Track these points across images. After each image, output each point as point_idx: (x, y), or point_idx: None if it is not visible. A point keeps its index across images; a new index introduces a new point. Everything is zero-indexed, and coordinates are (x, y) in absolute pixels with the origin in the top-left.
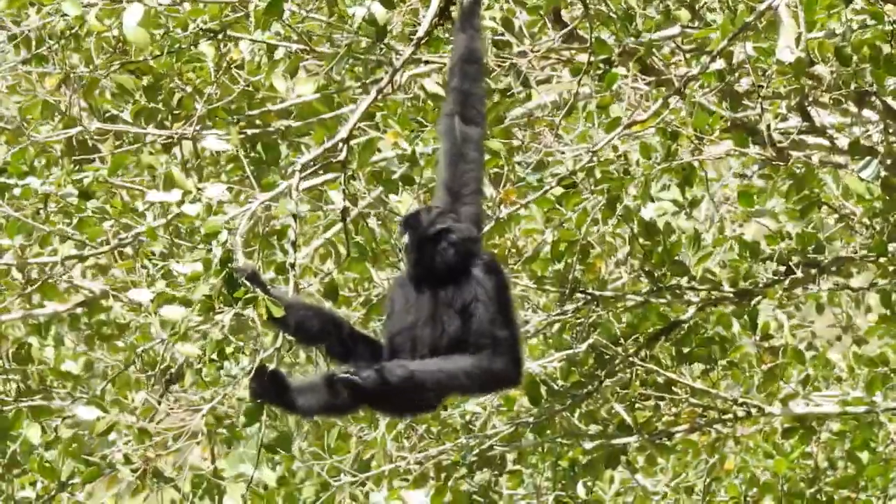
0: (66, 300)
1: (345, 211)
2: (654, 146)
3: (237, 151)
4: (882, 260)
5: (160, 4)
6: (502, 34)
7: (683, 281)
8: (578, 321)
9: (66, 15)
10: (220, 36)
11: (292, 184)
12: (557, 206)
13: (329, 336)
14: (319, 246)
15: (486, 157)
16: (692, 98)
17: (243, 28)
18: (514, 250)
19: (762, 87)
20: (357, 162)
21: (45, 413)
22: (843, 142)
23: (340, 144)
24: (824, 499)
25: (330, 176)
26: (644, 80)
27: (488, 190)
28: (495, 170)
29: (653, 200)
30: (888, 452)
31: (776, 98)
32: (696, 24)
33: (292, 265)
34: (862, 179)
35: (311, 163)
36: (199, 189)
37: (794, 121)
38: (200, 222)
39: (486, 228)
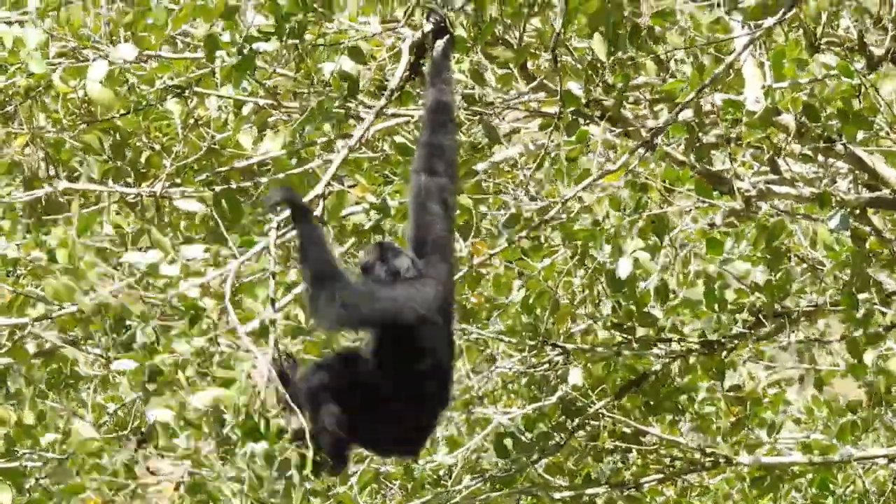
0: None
1: None
2: (623, 199)
3: (210, 211)
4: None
5: (125, 62)
6: (472, 87)
7: (652, 333)
8: (546, 373)
9: (30, 73)
10: (186, 92)
11: (269, 241)
12: (524, 257)
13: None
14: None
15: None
16: (661, 149)
17: (210, 84)
18: (486, 304)
19: (731, 139)
20: (328, 217)
21: (15, 475)
22: (808, 191)
23: (316, 200)
24: None
25: None
26: (612, 131)
27: (458, 243)
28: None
29: (622, 253)
30: (847, 494)
31: (742, 147)
32: (662, 75)
33: (273, 322)
34: (831, 230)
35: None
36: (176, 250)
37: (762, 171)
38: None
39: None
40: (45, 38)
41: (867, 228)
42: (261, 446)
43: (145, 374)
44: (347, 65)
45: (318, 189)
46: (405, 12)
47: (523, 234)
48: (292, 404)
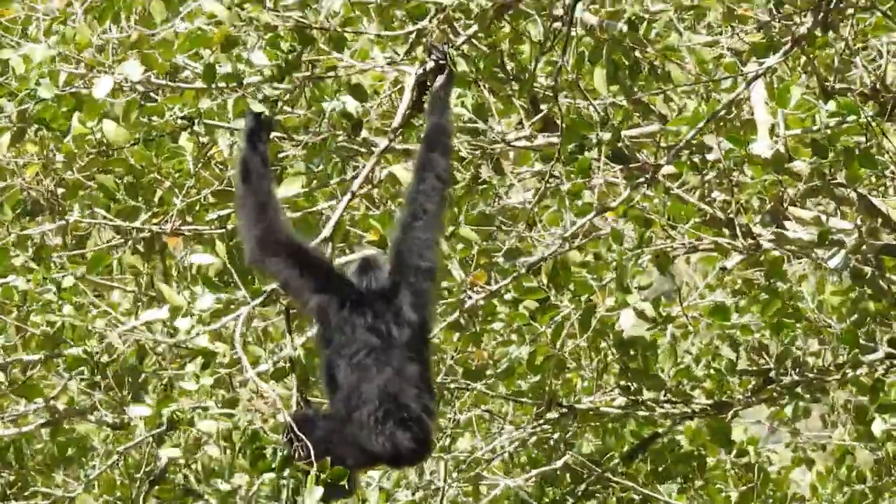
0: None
1: None
2: (625, 234)
3: (225, 263)
4: (853, 371)
5: (131, 84)
6: (475, 122)
7: (660, 395)
8: (554, 436)
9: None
10: (195, 124)
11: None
12: (532, 321)
13: None
14: None
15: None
16: (664, 187)
17: (223, 118)
18: (489, 361)
19: (733, 180)
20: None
21: None
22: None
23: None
24: None
25: None
26: (616, 167)
27: (457, 272)
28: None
29: (629, 291)
30: None
31: (749, 209)
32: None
33: (291, 362)
34: (831, 269)
35: None
36: (189, 303)
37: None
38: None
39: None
40: (50, 54)
41: (868, 269)
42: (268, 476)
43: (161, 420)
44: (350, 103)
45: (325, 233)
46: (407, 49)
47: (523, 269)
48: (298, 431)
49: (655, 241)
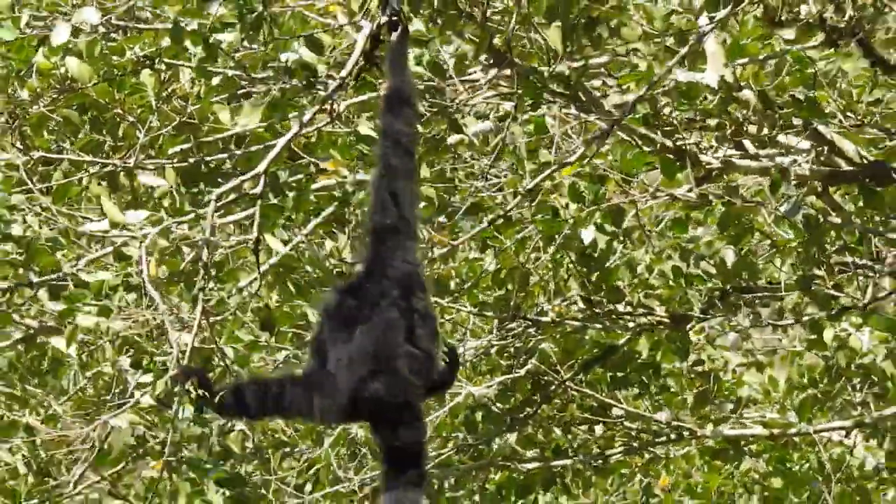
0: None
1: (257, 242)
2: (581, 190)
3: (172, 187)
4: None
5: (91, 26)
6: (433, 80)
7: (619, 307)
8: (516, 346)
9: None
10: (157, 63)
11: (208, 211)
12: (496, 234)
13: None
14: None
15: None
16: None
17: (184, 56)
18: (456, 278)
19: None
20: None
21: None
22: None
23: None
24: None
25: None
26: (574, 106)
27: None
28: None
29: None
30: (804, 471)
31: (707, 130)
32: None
33: (202, 289)
34: (783, 216)
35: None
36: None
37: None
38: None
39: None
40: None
41: (816, 212)
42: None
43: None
44: (306, 55)
45: (261, 167)
46: (361, 4)
47: (484, 224)
48: (173, 339)
49: (610, 195)
